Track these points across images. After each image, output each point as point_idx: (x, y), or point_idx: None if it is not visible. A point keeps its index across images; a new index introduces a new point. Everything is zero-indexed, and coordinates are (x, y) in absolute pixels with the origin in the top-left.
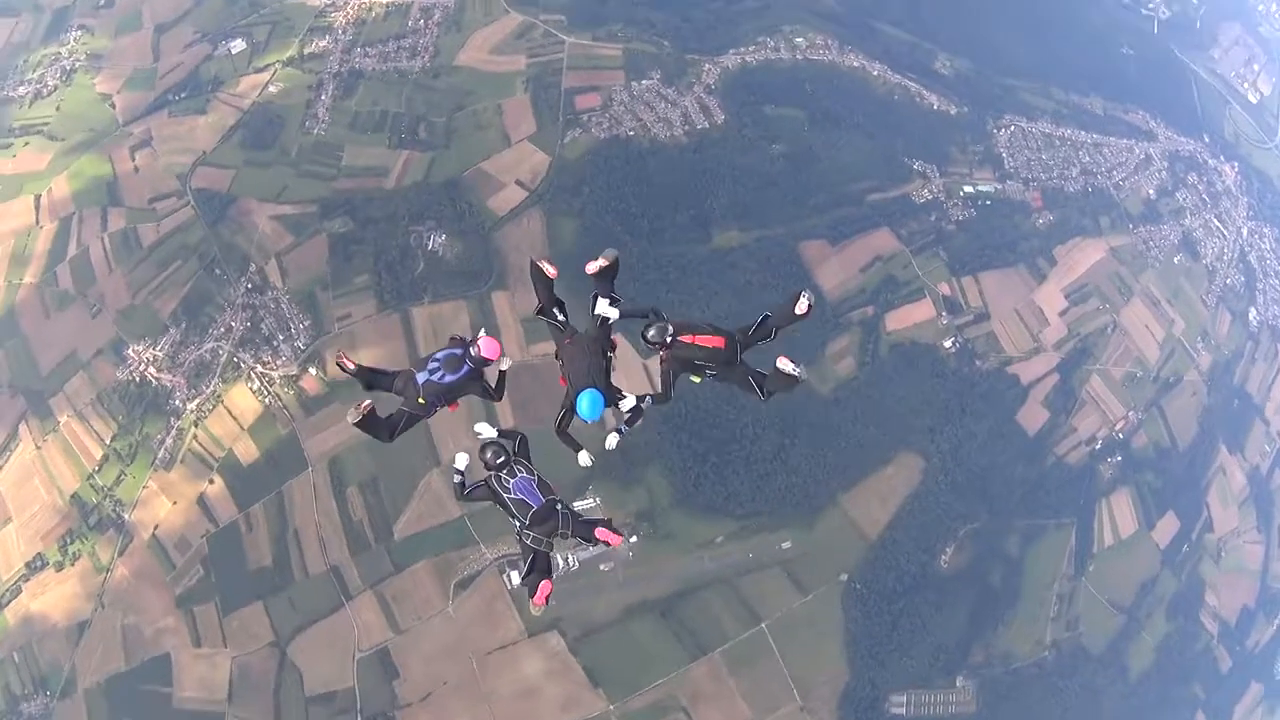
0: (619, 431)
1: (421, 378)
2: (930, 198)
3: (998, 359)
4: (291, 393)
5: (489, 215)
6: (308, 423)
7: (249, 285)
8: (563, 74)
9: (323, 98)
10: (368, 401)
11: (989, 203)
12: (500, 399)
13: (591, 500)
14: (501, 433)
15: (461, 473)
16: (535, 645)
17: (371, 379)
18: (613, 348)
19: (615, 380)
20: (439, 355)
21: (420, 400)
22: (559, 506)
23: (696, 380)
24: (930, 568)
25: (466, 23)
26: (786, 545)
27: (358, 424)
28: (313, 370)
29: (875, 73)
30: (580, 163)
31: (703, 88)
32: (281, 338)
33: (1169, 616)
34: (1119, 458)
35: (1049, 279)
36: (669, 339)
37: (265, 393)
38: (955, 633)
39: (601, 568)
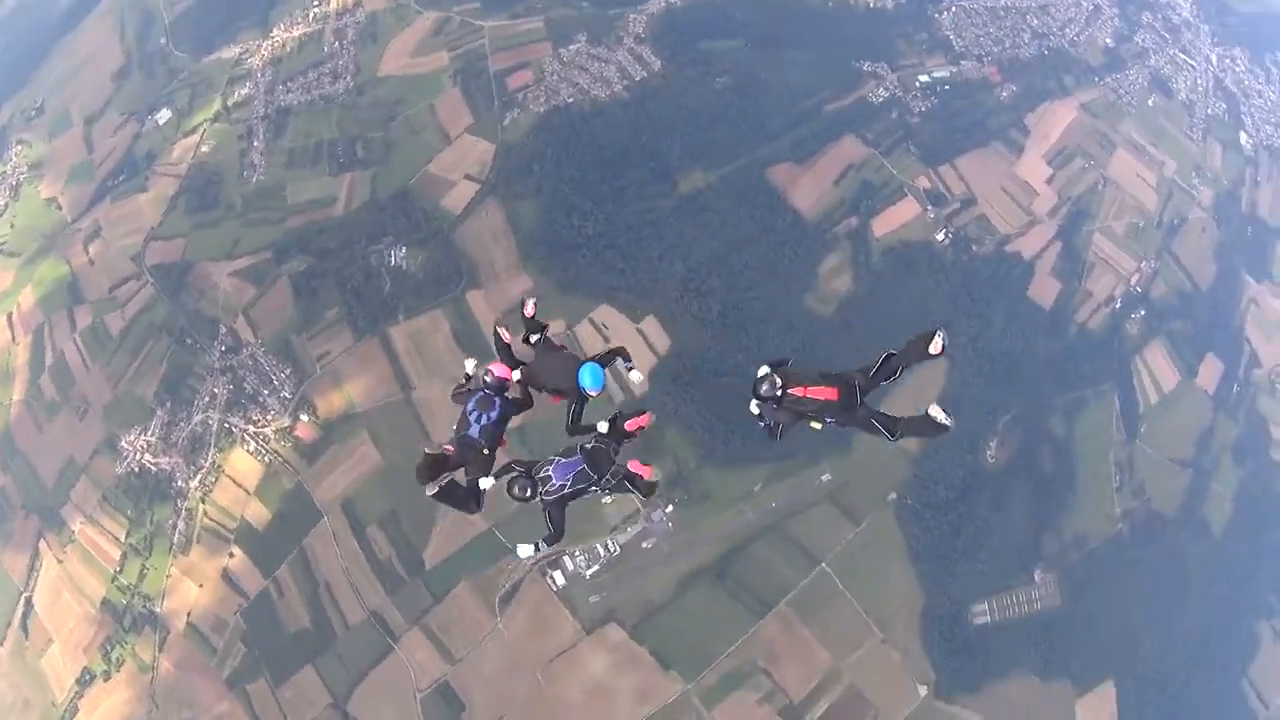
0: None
1: (474, 431)
2: (887, 95)
3: (994, 241)
4: (289, 445)
5: (445, 216)
6: (311, 471)
7: (223, 348)
8: (488, 59)
9: (255, 144)
10: (448, 473)
11: (947, 87)
12: (532, 404)
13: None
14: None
15: (539, 546)
16: (596, 642)
17: (442, 470)
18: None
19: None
20: (470, 406)
21: (485, 451)
22: (588, 445)
23: (817, 427)
24: (978, 467)
25: (381, 32)
26: (826, 478)
27: (436, 496)
28: (304, 417)
29: None
30: (525, 142)
31: (632, 39)
32: (266, 392)
33: (1237, 461)
34: (1142, 312)
35: (1027, 149)
36: (779, 393)
37: (263, 451)
38: (1021, 528)
39: (644, 545)
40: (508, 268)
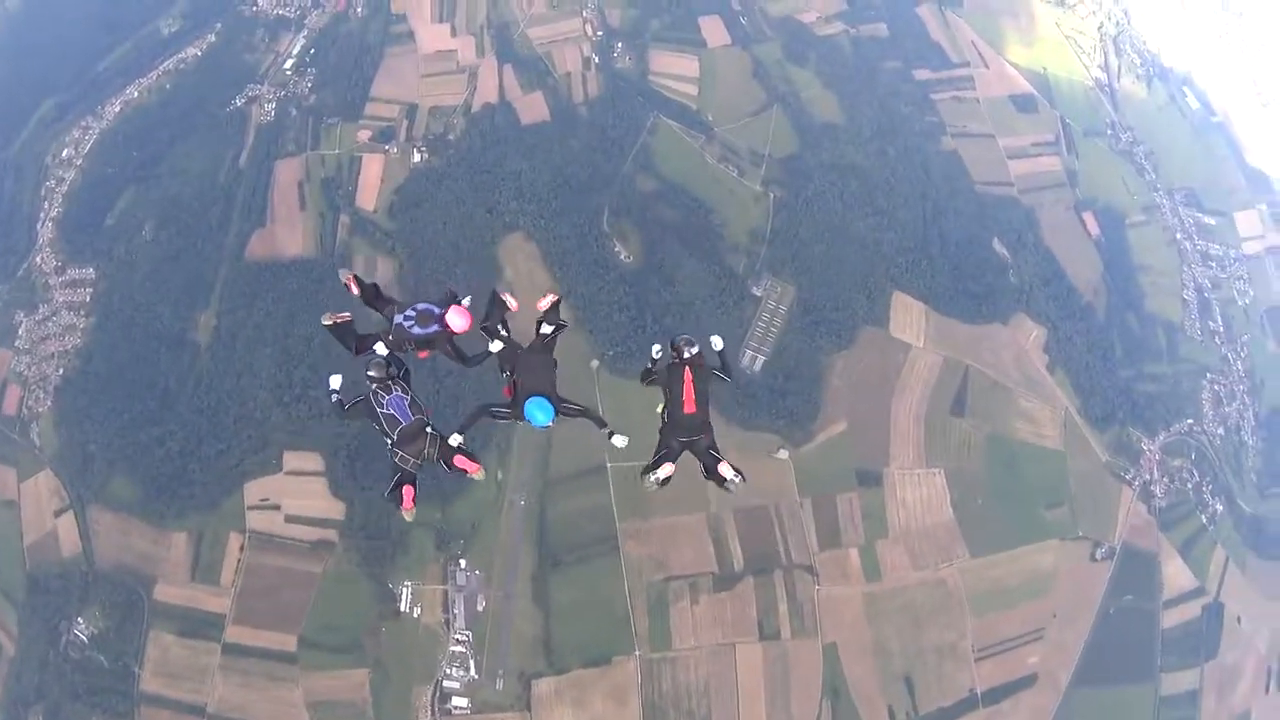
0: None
1: (397, 319)
2: (275, 103)
3: (460, 115)
4: None
5: (77, 562)
6: None
7: None
8: None
9: None
10: (347, 314)
11: (312, 51)
12: (470, 367)
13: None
14: (388, 357)
15: (337, 392)
16: (540, 708)
17: (370, 297)
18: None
19: None
20: (419, 306)
21: (389, 338)
22: (428, 428)
23: (659, 413)
24: (626, 272)
25: None
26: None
27: (329, 327)
28: None
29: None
30: (65, 440)
31: (54, 274)
32: None
33: (797, 61)
34: (619, 44)
35: (416, 30)
36: (678, 359)
37: None
38: (704, 275)
39: (479, 609)
40: (156, 541)
